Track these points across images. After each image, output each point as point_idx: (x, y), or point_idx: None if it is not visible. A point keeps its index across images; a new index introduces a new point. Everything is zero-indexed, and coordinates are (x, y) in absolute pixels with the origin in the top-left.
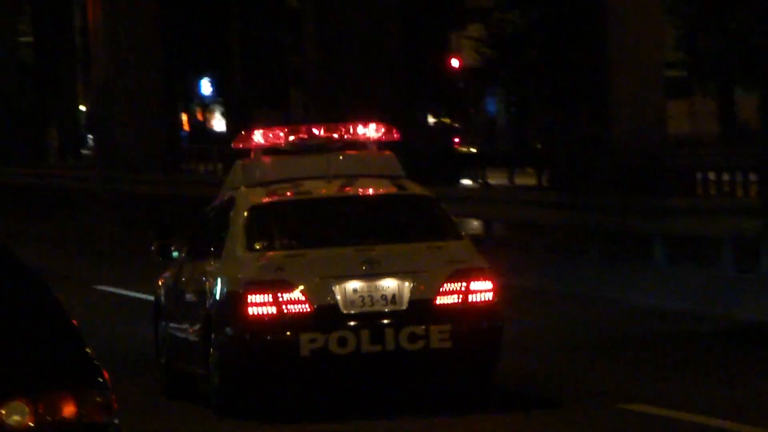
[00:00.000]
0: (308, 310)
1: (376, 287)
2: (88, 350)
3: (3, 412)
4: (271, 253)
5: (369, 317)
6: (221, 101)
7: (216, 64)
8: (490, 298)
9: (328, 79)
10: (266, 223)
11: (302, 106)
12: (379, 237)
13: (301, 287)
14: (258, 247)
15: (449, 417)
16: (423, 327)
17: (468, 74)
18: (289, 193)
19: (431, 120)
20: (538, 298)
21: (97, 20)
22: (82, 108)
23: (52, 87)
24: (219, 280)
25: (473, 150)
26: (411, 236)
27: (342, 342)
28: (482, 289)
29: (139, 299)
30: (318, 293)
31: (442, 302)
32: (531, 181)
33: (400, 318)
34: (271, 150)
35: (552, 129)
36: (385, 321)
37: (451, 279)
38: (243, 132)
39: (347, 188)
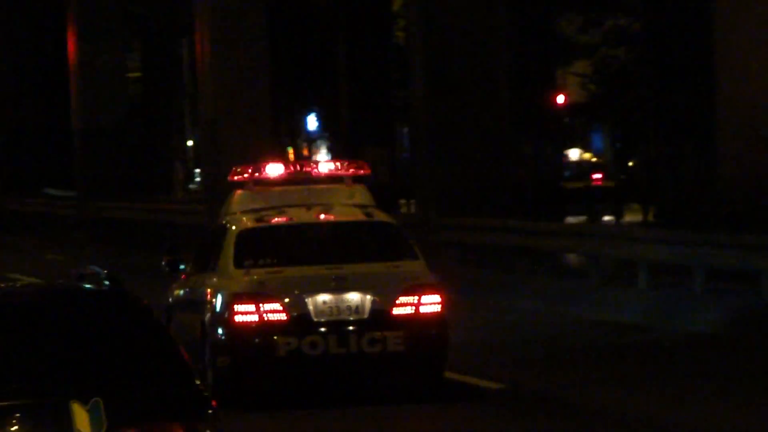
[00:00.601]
0: (285, 318)
1: (342, 300)
2: (197, 382)
3: None
4: (255, 269)
5: (336, 324)
6: (327, 136)
7: (322, 100)
8: (439, 309)
9: (435, 114)
10: (253, 244)
11: (409, 141)
12: (347, 257)
13: (279, 299)
14: (245, 264)
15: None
16: (381, 333)
17: (573, 110)
18: (273, 219)
19: (574, 156)
20: (643, 334)
21: (205, 56)
22: (190, 143)
23: (160, 122)
24: (213, 291)
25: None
26: (374, 257)
27: (313, 345)
28: (431, 302)
29: None
30: (293, 304)
31: (397, 312)
32: (637, 216)
33: (362, 325)
34: (261, 182)
35: (658, 164)
36: (350, 328)
37: (405, 293)
38: (237, 167)
39: (322, 215)
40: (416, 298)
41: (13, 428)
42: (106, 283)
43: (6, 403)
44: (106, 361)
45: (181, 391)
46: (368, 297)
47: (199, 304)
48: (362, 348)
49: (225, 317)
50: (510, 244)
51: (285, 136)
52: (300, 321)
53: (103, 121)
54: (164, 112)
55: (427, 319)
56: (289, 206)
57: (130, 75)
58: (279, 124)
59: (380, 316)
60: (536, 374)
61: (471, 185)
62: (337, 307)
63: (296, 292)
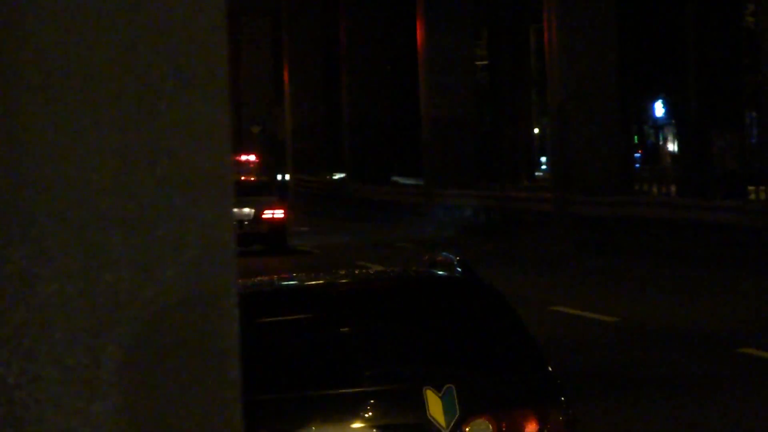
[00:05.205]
0: None
1: (242, 211)
2: (550, 368)
3: (467, 429)
4: None
5: (239, 221)
6: (674, 123)
7: (670, 86)
8: (282, 216)
9: None
10: None
11: (757, 126)
12: (247, 195)
13: None
14: None
15: None
16: (257, 225)
17: None
18: None
19: None
20: None
21: (553, 43)
22: (536, 131)
23: (506, 110)
24: None
25: None
26: (256, 194)
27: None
28: (278, 211)
29: (596, 320)
30: None
31: (264, 217)
32: None
33: (250, 222)
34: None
35: None
36: (245, 222)
37: (267, 208)
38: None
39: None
40: (272, 210)
41: (368, 414)
42: (459, 269)
43: (360, 389)
44: (458, 347)
45: (534, 378)
46: (252, 210)
47: None
48: (249, 231)
49: None
50: None
51: (632, 123)
52: None
53: (450, 109)
54: (511, 100)
55: (276, 220)
56: None
57: (478, 63)
58: (626, 110)
59: (257, 218)
60: None
61: None
62: (240, 214)
63: None
